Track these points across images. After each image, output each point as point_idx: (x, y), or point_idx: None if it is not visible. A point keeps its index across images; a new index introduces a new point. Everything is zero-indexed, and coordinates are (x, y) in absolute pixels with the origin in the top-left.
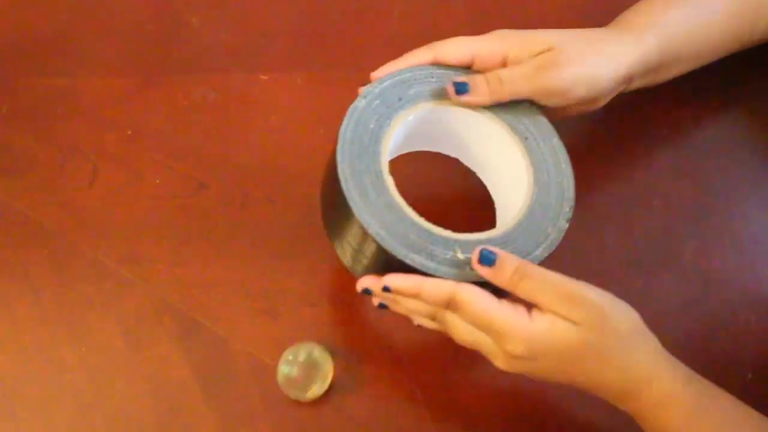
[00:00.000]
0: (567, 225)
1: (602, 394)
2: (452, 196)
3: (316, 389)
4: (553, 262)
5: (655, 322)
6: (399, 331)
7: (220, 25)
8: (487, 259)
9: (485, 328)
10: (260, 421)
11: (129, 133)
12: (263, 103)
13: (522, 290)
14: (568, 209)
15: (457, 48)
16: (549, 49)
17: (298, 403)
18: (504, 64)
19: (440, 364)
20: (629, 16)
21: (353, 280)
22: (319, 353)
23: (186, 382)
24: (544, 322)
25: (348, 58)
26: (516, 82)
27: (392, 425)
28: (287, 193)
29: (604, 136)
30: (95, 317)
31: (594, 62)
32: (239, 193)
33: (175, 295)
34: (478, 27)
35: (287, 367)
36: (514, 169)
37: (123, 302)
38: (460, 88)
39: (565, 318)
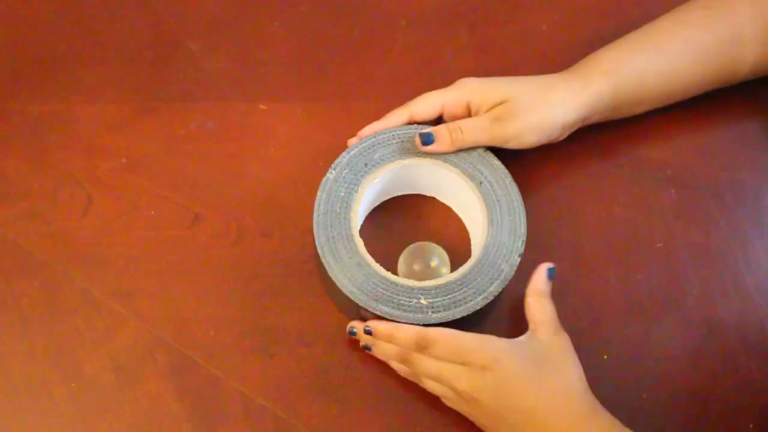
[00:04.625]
0: (519, 260)
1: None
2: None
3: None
4: (553, 302)
5: (656, 368)
6: (395, 374)
7: (219, 53)
8: (427, 139)
9: (455, 352)
10: None
11: (124, 161)
12: (262, 133)
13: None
14: (520, 244)
15: (427, 102)
16: (504, 101)
17: None
18: (467, 110)
19: (435, 404)
20: (586, 62)
21: (348, 320)
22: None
23: (177, 420)
24: (509, 340)
25: (349, 90)
26: (475, 133)
27: None
28: (284, 228)
29: (607, 177)
30: (86, 352)
31: (542, 110)
32: (235, 226)
33: (168, 331)
34: (480, 58)
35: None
36: (473, 211)
37: (115, 337)
38: (426, 139)
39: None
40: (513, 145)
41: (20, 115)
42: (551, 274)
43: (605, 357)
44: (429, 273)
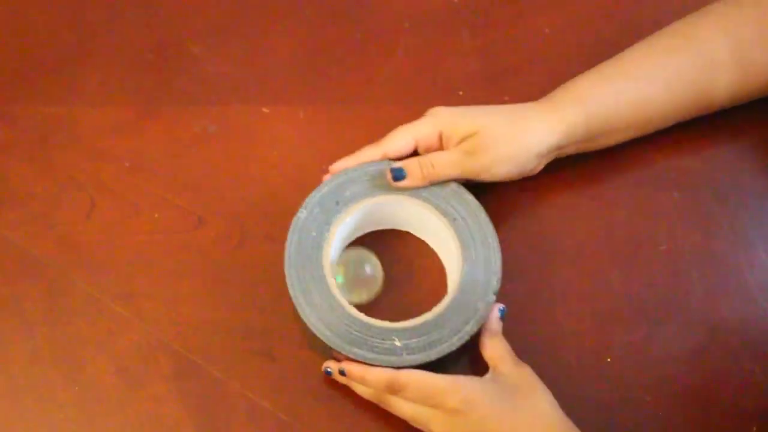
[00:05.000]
0: (494, 298)
1: None
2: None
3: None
4: (556, 306)
5: (658, 370)
6: None
7: (222, 56)
8: (398, 174)
9: (426, 396)
10: None
11: (127, 165)
12: (264, 136)
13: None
14: (495, 282)
15: (400, 138)
16: (474, 133)
17: None
18: (440, 140)
19: None
20: (560, 91)
21: (322, 359)
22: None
23: (180, 423)
24: (478, 378)
25: (352, 93)
26: (446, 167)
27: None
28: (287, 231)
29: (610, 180)
30: (89, 354)
31: (514, 143)
32: (238, 230)
33: (171, 333)
34: (483, 61)
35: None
36: (448, 247)
37: (118, 340)
38: (397, 175)
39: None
40: (485, 177)
41: (23, 118)
42: (503, 314)
43: (608, 359)
44: (363, 281)
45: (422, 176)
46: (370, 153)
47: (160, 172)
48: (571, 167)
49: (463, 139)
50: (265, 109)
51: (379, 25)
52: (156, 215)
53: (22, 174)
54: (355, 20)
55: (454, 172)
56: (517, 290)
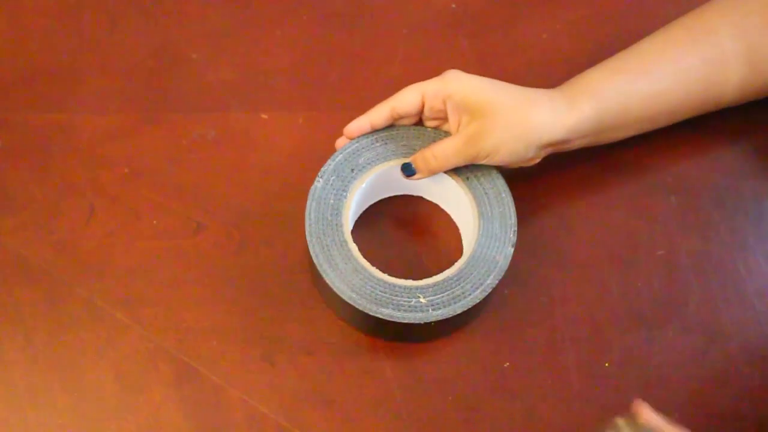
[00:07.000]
0: (512, 249)
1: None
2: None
3: None
4: (554, 311)
5: (656, 375)
6: (399, 383)
7: (221, 63)
8: (409, 170)
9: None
10: None
11: (126, 171)
12: (263, 142)
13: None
14: (512, 234)
15: (408, 94)
16: (482, 111)
17: None
18: (444, 103)
19: (438, 414)
20: (573, 82)
21: (352, 328)
22: None
23: (180, 429)
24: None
25: (350, 99)
26: (448, 158)
27: None
28: (285, 237)
29: (607, 184)
30: (89, 361)
31: (518, 132)
32: (237, 236)
33: (171, 339)
34: (481, 66)
35: None
36: (462, 206)
37: (117, 346)
38: (408, 172)
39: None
40: (486, 161)
41: (23, 125)
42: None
43: (607, 364)
44: None
45: (428, 170)
46: (380, 110)
47: (160, 178)
48: (568, 172)
49: (467, 111)
50: (264, 115)
51: (377, 31)
52: (155, 221)
53: (22, 180)
54: (354, 26)
55: (456, 160)
56: (515, 295)
